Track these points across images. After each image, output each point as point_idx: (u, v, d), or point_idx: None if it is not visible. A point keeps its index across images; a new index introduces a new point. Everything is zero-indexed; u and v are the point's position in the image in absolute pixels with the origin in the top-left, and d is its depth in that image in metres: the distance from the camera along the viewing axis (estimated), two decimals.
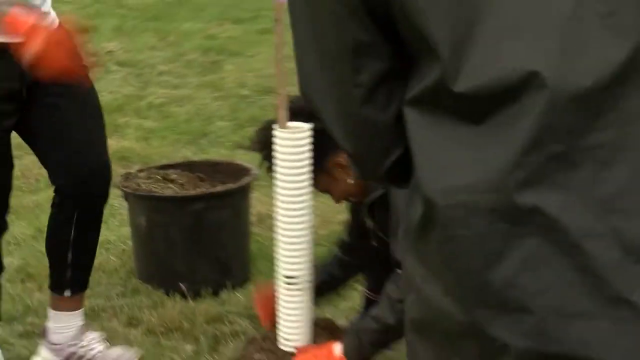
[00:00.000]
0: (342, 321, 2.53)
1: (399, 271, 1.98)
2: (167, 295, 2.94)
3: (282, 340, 2.04)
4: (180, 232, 2.96)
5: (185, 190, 3.08)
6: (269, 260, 3.23)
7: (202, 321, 2.75)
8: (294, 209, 1.93)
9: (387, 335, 1.99)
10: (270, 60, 6.60)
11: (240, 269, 3.09)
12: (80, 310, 2.43)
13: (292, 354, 2.00)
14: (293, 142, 1.90)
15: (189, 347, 2.59)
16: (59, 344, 2.40)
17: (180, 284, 2.92)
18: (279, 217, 1.97)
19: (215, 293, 2.97)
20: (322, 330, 2.08)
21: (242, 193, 3.04)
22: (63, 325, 2.39)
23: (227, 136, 4.96)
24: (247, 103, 5.65)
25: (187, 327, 2.71)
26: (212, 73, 6.40)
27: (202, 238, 2.97)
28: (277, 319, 2.05)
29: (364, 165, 1.02)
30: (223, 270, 3.02)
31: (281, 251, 1.98)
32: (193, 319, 2.76)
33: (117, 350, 2.47)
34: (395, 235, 1.93)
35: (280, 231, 1.98)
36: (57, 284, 2.36)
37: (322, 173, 2.02)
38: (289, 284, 1.98)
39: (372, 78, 0.90)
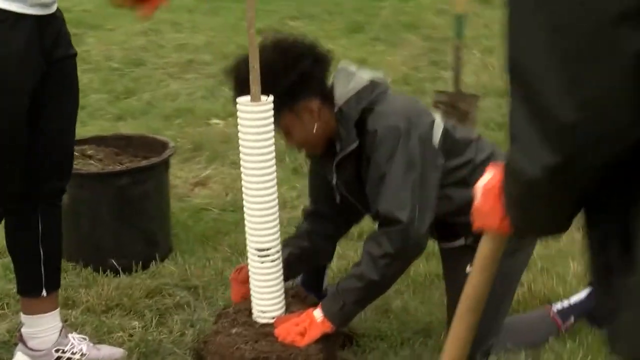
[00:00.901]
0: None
1: (380, 229, 2.02)
2: (97, 272, 2.81)
3: (257, 313, 2.02)
4: (106, 207, 2.82)
5: (105, 165, 2.95)
6: (187, 229, 3.18)
7: (141, 296, 2.66)
8: (263, 182, 1.90)
9: (371, 292, 2.02)
10: (132, 33, 6.42)
11: (165, 241, 3.01)
12: (57, 310, 2.24)
13: (270, 325, 1.99)
14: (263, 115, 1.86)
15: (135, 323, 2.50)
16: (42, 350, 2.21)
17: (111, 260, 2.81)
18: (248, 192, 1.93)
19: (145, 266, 2.88)
20: (293, 299, 2.08)
21: (164, 166, 2.95)
22: (42, 328, 2.20)
23: (105, 108, 4.80)
24: (118, 75, 5.48)
25: (128, 302, 2.61)
26: (76, 46, 6.09)
27: (128, 212, 2.85)
28: (251, 292, 2.02)
29: (596, 142, 0.81)
30: (150, 243, 2.93)
31: (251, 224, 1.95)
32: (131, 294, 2.65)
33: (105, 350, 2.30)
34: None
35: (249, 205, 1.94)
36: (31, 286, 2.18)
37: (289, 112, 2.00)
38: (261, 256, 1.96)
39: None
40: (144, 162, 2.84)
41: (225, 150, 4.13)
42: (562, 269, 2.78)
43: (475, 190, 1.34)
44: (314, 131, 2.03)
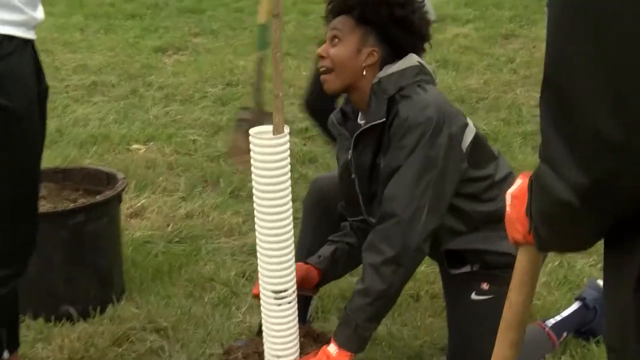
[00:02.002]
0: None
1: (376, 231, 1.88)
2: (50, 322, 2.51)
3: (271, 358, 1.84)
4: (58, 249, 2.53)
5: (50, 202, 2.65)
6: (136, 266, 2.92)
7: (108, 344, 2.38)
8: (279, 220, 1.73)
9: (381, 305, 1.86)
10: None
11: (119, 280, 2.75)
12: None
13: None
14: (283, 148, 1.70)
15: None
16: None
17: (65, 307, 2.52)
18: (263, 231, 1.75)
19: (102, 310, 2.61)
20: (305, 339, 1.92)
21: (117, 200, 2.69)
22: None
23: None
24: None
25: (95, 354, 2.33)
26: None
27: (82, 252, 2.57)
28: (264, 336, 1.84)
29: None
30: (105, 284, 2.66)
31: (267, 266, 1.76)
32: (97, 344, 2.38)
33: None
34: None
35: (265, 245, 1.76)
36: None
37: (361, 32, 1.93)
38: (278, 298, 1.78)
39: None
40: (100, 197, 2.57)
41: (153, 177, 3.86)
42: None
43: (505, 198, 1.27)
44: (353, 66, 1.91)
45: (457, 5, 7.07)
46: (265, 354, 1.84)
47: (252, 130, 1.72)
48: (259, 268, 1.79)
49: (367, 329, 1.87)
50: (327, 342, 1.87)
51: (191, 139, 4.41)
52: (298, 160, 4.06)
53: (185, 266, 2.95)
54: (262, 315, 1.82)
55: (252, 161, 1.72)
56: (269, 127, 1.71)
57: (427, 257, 2.12)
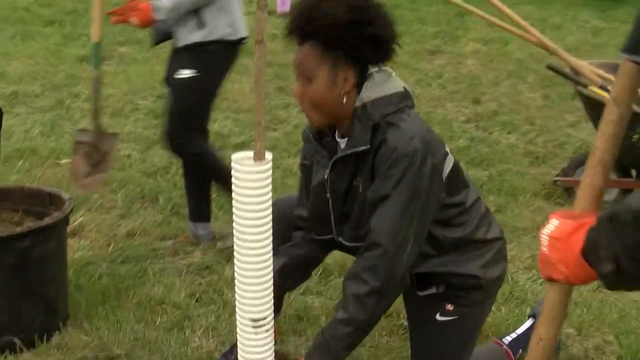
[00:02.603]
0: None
1: (361, 260, 1.88)
2: None
3: None
4: (2, 276, 2.40)
5: None
6: (80, 289, 2.81)
7: None
8: (259, 247, 1.70)
9: (360, 333, 1.88)
10: None
11: (64, 306, 2.63)
12: None
13: None
14: (264, 175, 1.67)
15: None
16: None
17: (8, 337, 2.39)
18: (242, 258, 1.71)
19: (48, 337, 2.49)
20: None
21: (65, 222, 2.58)
22: None
23: None
24: None
25: None
26: None
27: (27, 279, 2.45)
28: None
29: None
30: (50, 310, 2.54)
31: (245, 294, 1.72)
32: None
33: None
34: None
35: (243, 272, 1.71)
36: None
37: (329, 62, 1.86)
38: (256, 327, 1.75)
39: None
40: (48, 220, 2.45)
41: (88, 194, 3.73)
42: None
43: (541, 239, 1.31)
44: (333, 99, 1.86)
45: None
46: None
47: (233, 157, 1.68)
48: (237, 296, 1.75)
49: (344, 357, 1.88)
50: None
51: (125, 153, 4.29)
52: None
53: (132, 288, 2.85)
54: (239, 343, 1.78)
55: (233, 187, 1.68)
56: (250, 154, 1.68)
57: None
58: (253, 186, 1.65)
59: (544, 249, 1.25)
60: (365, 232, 1.92)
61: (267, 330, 1.76)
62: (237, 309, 1.76)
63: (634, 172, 3.77)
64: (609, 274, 1.08)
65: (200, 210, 3.27)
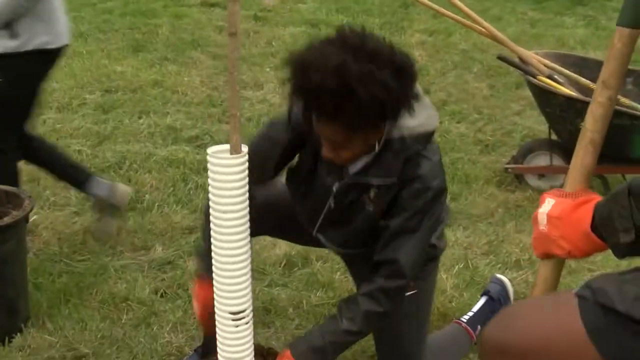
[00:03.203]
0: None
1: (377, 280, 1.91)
2: None
3: None
4: None
5: None
6: (40, 289, 2.75)
7: None
8: (237, 240, 1.69)
9: (352, 342, 1.95)
10: None
11: (25, 306, 2.57)
12: None
13: None
14: (240, 168, 1.66)
15: None
16: None
17: None
18: (220, 252, 1.70)
19: (10, 340, 2.43)
20: (255, 357, 1.88)
21: (25, 221, 2.51)
22: None
23: None
24: None
25: None
26: None
27: None
28: (220, 359, 1.79)
29: None
30: (11, 311, 2.48)
31: (224, 287, 1.71)
32: None
33: None
34: None
35: (222, 266, 1.71)
36: None
37: (356, 135, 1.74)
38: (235, 319, 1.74)
39: None
40: (8, 219, 2.39)
41: (39, 191, 3.64)
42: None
43: (537, 218, 1.36)
44: (367, 149, 1.81)
45: (329, 12, 7.20)
46: None
47: (209, 150, 1.67)
48: (215, 289, 1.74)
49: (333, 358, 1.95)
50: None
51: (75, 149, 4.20)
52: (192, 169, 3.98)
53: (94, 286, 2.81)
54: (218, 337, 1.77)
55: (209, 181, 1.68)
56: (225, 147, 1.67)
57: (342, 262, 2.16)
58: (230, 179, 1.65)
59: (542, 227, 1.31)
60: (354, 241, 1.99)
61: (246, 323, 1.76)
62: (215, 303, 1.76)
63: None
64: (625, 245, 1.16)
65: (74, 177, 3.22)
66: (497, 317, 1.37)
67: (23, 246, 2.52)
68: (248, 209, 1.69)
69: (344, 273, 2.93)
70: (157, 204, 3.55)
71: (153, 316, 2.61)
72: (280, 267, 3.00)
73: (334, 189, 1.93)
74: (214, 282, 1.74)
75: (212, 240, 1.72)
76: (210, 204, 1.69)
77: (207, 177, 4.06)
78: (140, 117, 4.68)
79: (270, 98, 5.06)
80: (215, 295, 1.75)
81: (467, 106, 5.03)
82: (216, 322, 1.77)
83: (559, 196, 1.32)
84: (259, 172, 1.87)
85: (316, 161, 1.95)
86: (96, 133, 4.45)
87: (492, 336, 1.33)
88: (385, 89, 1.64)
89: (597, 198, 1.29)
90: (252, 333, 1.79)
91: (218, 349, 1.79)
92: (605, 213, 1.21)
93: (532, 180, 3.93)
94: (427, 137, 1.84)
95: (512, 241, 3.32)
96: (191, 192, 3.73)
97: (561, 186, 4.11)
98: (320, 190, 1.97)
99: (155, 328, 2.53)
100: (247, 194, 1.69)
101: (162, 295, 2.78)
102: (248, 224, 1.71)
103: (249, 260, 1.73)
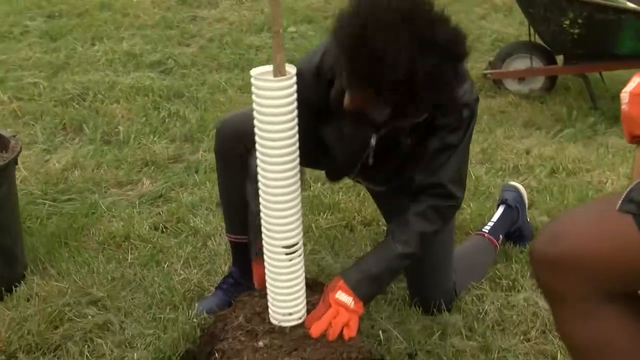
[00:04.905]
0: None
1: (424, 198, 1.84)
2: None
3: (282, 317, 1.69)
4: None
5: None
6: (30, 234, 2.58)
7: (44, 328, 2.09)
8: (288, 169, 1.58)
9: (405, 265, 1.87)
10: None
11: (22, 254, 2.40)
12: None
13: (300, 327, 1.71)
14: (289, 91, 1.52)
15: None
16: None
17: None
18: (270, 183, 1.58)
19: (9, 289, 2.27)
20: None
21: (14, 164, 2.32)
22: None
23: None
24: None
25: (34, 340, 2.02)
26: None
27: None
28: (271, 295, 1.70)
29: None
30: (9, 259, 2.32)
31: (275, 220, 1.60)
32: (29, 328, 2.07)
33: None
34: None
35: (271, 198, 1.59)
36: None
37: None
38: (288, 253, 1.64)
39: None
40: None
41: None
42: None
43: (621, 97, 1.32)
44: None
45: None
46: (273, 313, 1.71)
47: (253, 72, 1.52)
48: (265, 224, 1.63)
49: (387, 283, 1.89)
50: (322, 291, 1.79)
51: (30, 81, 3.92)
52: (162, 96, 3.78)
53: (88, 226, 2.65)
54: (269, 273, 1.68)
55: (254, 106, 1.54)
56: (269, 68, 1.53)
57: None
58: (277, 104, 1.51)
59: (624, 106, 1.28)
60: (395, 177, 1.92)
61: (299, 256, 1.67)
62: (264, 237, 1.65)
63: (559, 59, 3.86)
64: None
65: None
66: (545, 230, 1.34)
67: (15, 190, 2.33)
68: (297, 136, 1.57)
69: (346, 193, 2.86)
70: (133, 136, 3.36)
71: (160, 253, 2.49)
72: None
73: (372, 141, 1.82)
74: (264, 217, 1.63)
75: (260, 173, 1.60)
76: (257, 131, 1.56)
77: (179, 103, 3.89)
78: (93, 44, 4.39)
79: (228, 16, 4.83)
80: (265, 230, 1.64)
81: None
82: (266, 257, 1.68)
83: None
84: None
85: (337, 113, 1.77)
86: (48, 63, 4.16)
87: (541, 248, 1.30)
88: (446, 90, 1.55)
89: None
90: (303, 266, 1.70)
91: (268, 284, 1.70)
92: None
93: (512, 85, 3.90)
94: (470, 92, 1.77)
95: (504, 147, 3.30)
96: (166, 120, 3.55)
97: (541, 89, 4.07)
98: (352, 144, 1.84)
99: (166, 265, 2.41)
100: (296, 120, 1.56)
101: (162, 231, 2.65)
102: (298, 152, 1.59)
103: (299, 191, 1.62)
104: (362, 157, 1.87)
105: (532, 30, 3.75)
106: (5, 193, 2.25)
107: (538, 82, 3.88)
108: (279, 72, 1.49)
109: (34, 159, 3.20)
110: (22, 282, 2.32)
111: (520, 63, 3.84)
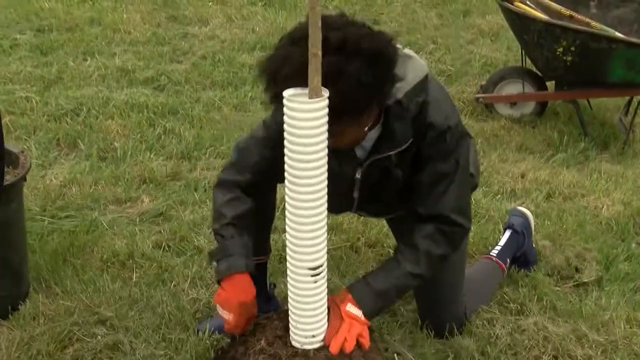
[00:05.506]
0: None
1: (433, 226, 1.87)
2: None
3: (305, 340, 1.70)
4: None
5: None
6: (32, 251, 2.54)
7: (53, 348, 2.07)
8: (317, 191, 1.58)
9: (413, 285, 1.92)
10: None
11: (27, 271, 2.37)
12: None
13: (324, 349, 1.71)
14: (322, 113, 1.54)
15: None
16: None
17: None
18: (297, 204, 1.58)
19: (14, 308, 2.25)
20: None
21: (23, 181, 2.30)
22: None
23: None
24: None
25: None
26: None
27: None
28: (293, 318, 1.70)
29: None
30: (16, 277, 2.29)
31: (301, 242, 1.61)
32: (39, 348, 2.05)
33: None
34: None
35: (298, 219, 1.59)
36: None
37: (354, 121, 1.65)
38: (314, 275, 1.65)
39: None
40: (10, 178, 2.17)
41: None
42: None
43: None
44: (366, 129, 1.73)
45: None
46: (296, 336, 1.71)
47: (286, 93, 1.54)
48: (290, 245, 1.64)
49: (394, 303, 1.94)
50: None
51: (21, 95, 3.88)
52: (157, 113, 3.77)
53: (90, 244, 2.63)
54: (292, 295, 1.68)
55: (285, 127, 1.55)
56: (300, 90, 1.54)
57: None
58: (311, 125, 1.52)
59: None
60: (393, 206, 1.97)
61: (323, 277, 1.68)
62: (289, 259, 1.66)
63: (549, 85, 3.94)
64: None
65: None
66: None
67: (22, 208, 2.31)
68: (326, 159, 1.58)
69: (348, 214, 2.87)
70: (129, 153, 3.34)
71: (165, 273, 2.47)
72: (278, 212, 2.90)
73: (357, 176, 1.86)
74: (288, 237, 1.64)
75: (287, 193, 1.60)
76: (287, 152, 1.56)
77: (174, 121, 3.88)
78: (85, 59, 4.37)
79: (219, 34, 4.84)
80: (289, 251, 1.65)
81: (420, 36, 4.99)
82: (290, 279, 1.68)
83: None
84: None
85: None
86: (40, 77, 4.13)
87: None
88: (357, 83, 1.55)
89: None
90: (326, 287, 1.71)
91: (291, 307, 1.70)
92: None
93: (503, 109, 3.96)
94: (422, 85, 1.77)
95: (499, 171, 3.35)
96: (162, 137, 3.53)
97: (532, 114, 4.13)
98: (339, 180, 1.83)
99: (172, 285, 2.40)
100: (326, 143, 1.57)
101: (165, 250, 2.63)
102: (326, 174, 1.60)
103: (326, 213, 1.63)
104: (352, 192, 1.91)
105: (524, 56, 3.82)
106: (15, 210, 2.23)
107: (529, 107, 3.95)
108: (314, 94, 1.51)
109: (29, 174, 3.15)
110: (26, 300, 2.29)
111: (513, 88, 3.91)
